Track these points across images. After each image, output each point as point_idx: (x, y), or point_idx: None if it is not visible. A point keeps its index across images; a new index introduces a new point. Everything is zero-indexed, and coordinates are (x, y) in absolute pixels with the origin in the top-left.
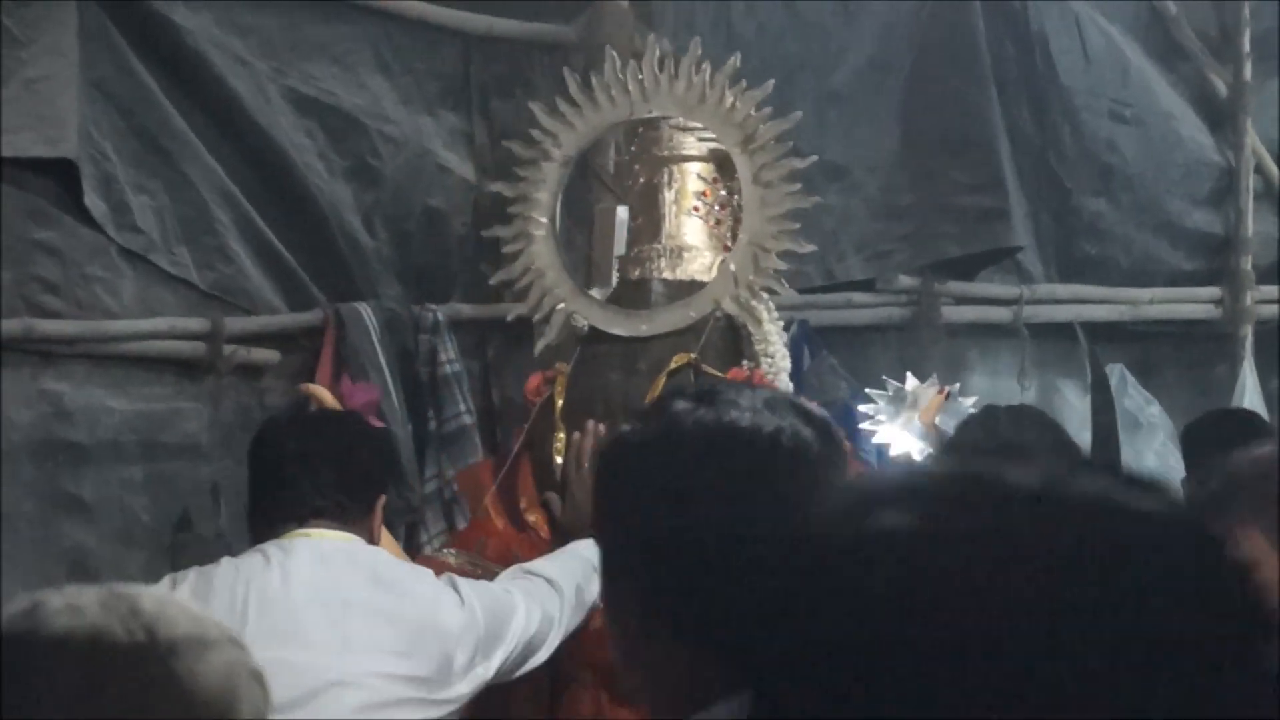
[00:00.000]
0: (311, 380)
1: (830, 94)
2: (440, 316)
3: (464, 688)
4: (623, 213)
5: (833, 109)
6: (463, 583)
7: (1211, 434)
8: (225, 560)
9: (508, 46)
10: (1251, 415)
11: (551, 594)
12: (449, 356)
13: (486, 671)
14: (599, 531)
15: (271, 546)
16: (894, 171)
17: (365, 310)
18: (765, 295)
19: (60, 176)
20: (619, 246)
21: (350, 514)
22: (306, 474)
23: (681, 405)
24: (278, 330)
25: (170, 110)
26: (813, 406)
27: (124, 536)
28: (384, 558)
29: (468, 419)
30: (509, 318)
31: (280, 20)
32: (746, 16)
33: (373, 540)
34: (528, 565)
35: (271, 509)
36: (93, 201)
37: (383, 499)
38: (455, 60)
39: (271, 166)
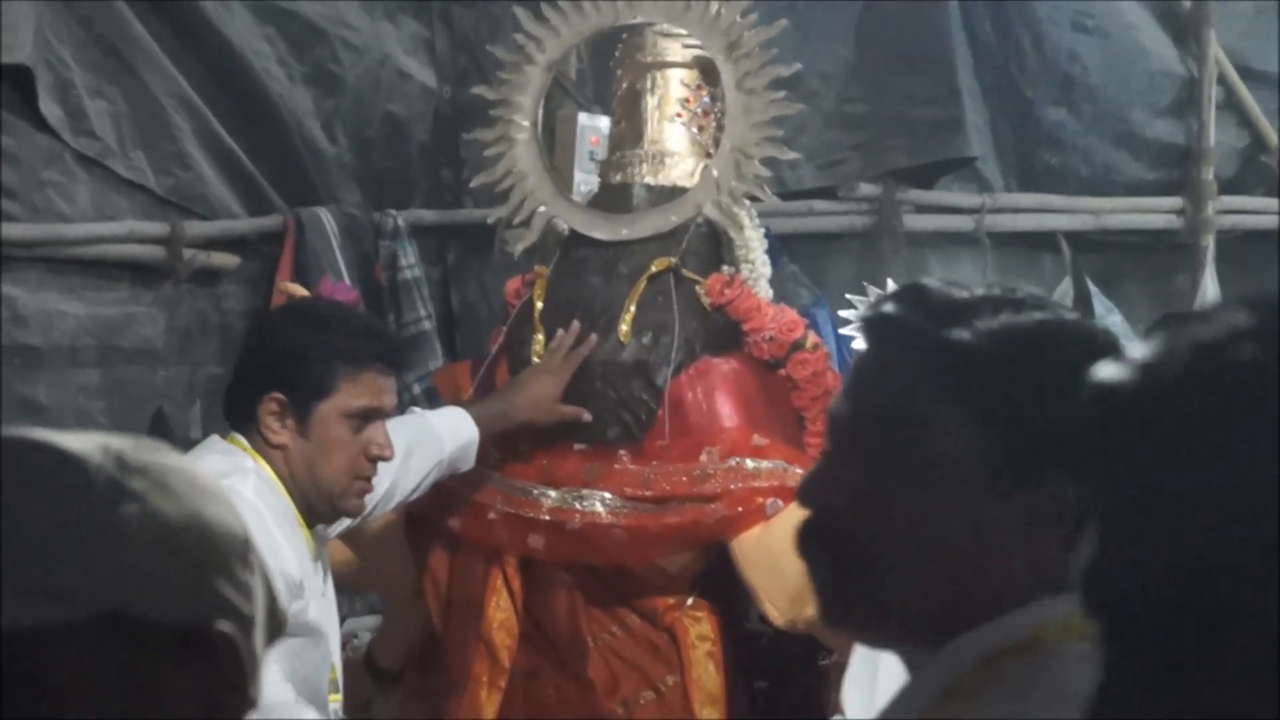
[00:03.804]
0: (271, 285)
1: (787, 2)
2: (400, 222)
3: None
4: (584, 118)
5: (789, 17)
6: None
7: None
8: None
9: None
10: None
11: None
12: (409, 262)
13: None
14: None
15: None
16: (849, 82)
17: (325, 215)
18: (747, 201)
19: (14, 82)
20: (580, 152)
21: (235, 420)
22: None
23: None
24: (237, 235)
25: (129, 16)
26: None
27: None
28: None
29: (427, 324)
30: (489, 220)
31: None
32: None
33: (265, 454)
34: None
35: None
36: (48, 107)
37: (269, 402)
38: None
39: (231, 72)
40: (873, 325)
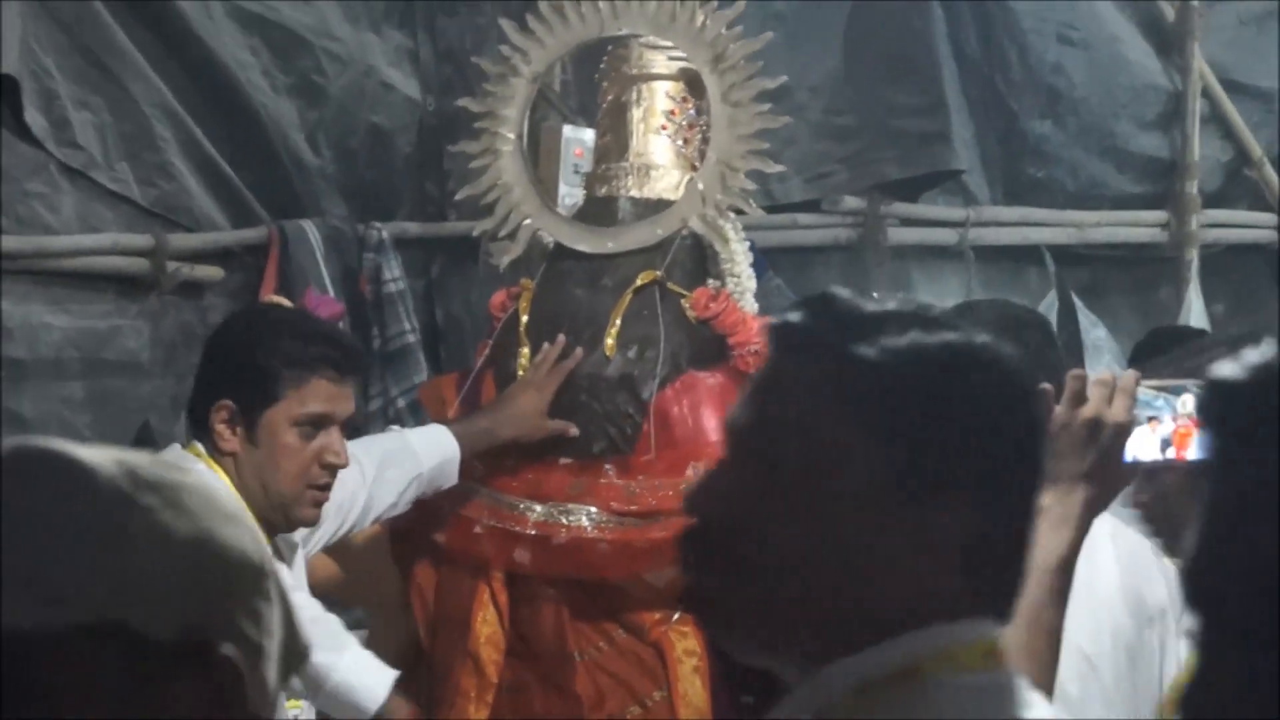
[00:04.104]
0: (255, 297)
1: (774, 14)
2: (385, 235)
3: None
4: (569, 130)
5: (777, 29)
6: None
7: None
8: None
9: None
10: (1200, 332)
11: None
12: (393, 275)
13: None
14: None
15: None
16: (837, 94)
17: (310, 227)
18: (732, 215)
19: None
20: (564, 165)
21: (196, 428)
22: None
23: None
24: (221, 247)
25: (113, 26)
26: None
27: None
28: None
29: (412, 337)
30: (474, 233)
31: None
32: None
33: (220, 462)
34: None
35: None
36: (33, 117)
37: (219, 409)
38: None
39: (215, 83)
40: (779, 333)
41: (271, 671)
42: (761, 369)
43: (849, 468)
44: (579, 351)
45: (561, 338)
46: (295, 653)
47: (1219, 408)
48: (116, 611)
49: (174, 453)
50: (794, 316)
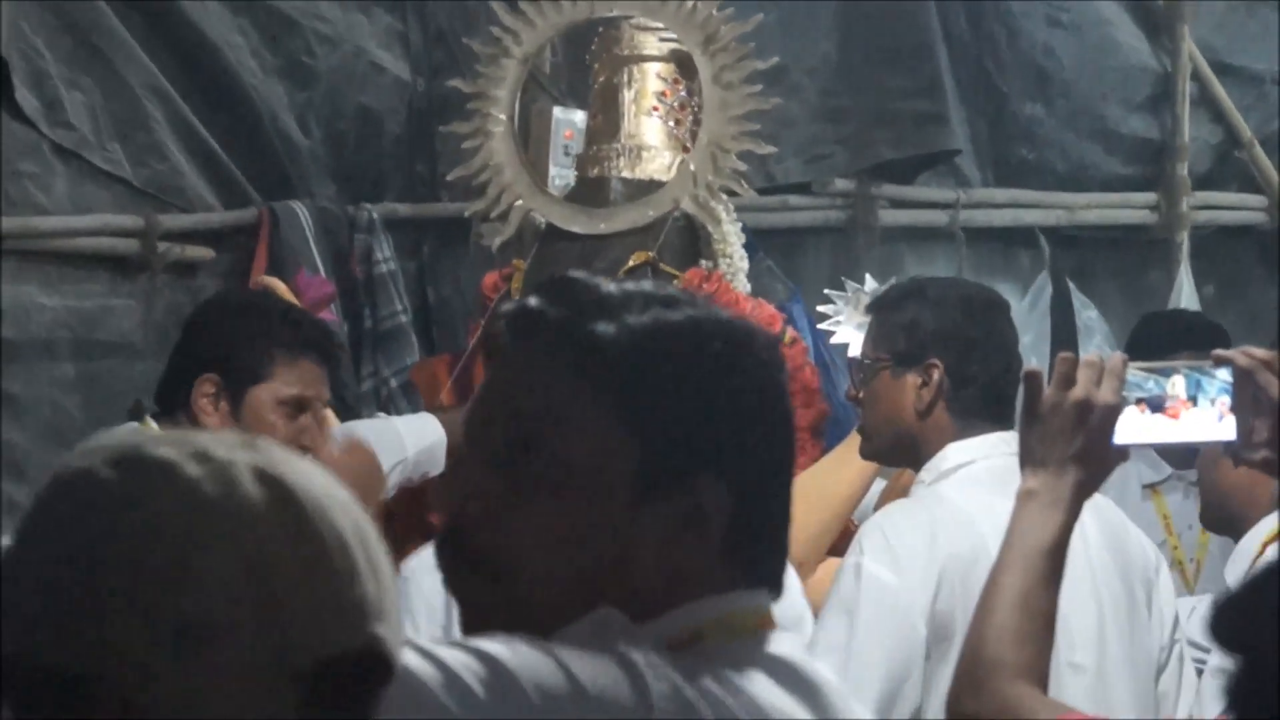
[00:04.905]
0: (246, 278)
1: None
2: (375, 216)
3: None
4: (559, 112)
5: (772, 11)
6: None
7: (1160, 335)
8: None
9: None
10: (1195, 315)
11: None
12: (384, 256)
13: None
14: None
15: None
16: (832, 75)
17: (300, 208)
18: (724, 196)
19: None
20: (554, 147)
21: (166, 404)
22: None
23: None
24: (212, 228)
25: (103, 7)
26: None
27: (56, 435)
28: None
29: (403, 318)
30: (466, 214)
31: None
32: None
33: None
34: None
35: None
36: (24, 97)
37: (204, 383)
38: None
39: (205, 64)
40: (515, 320)
41: (394, 621)
42: (498, 357)
43: (595, 454)
44: None
45: None
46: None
47: None
48: (274, 641)
49: (120, 430)
50: (531, 301)
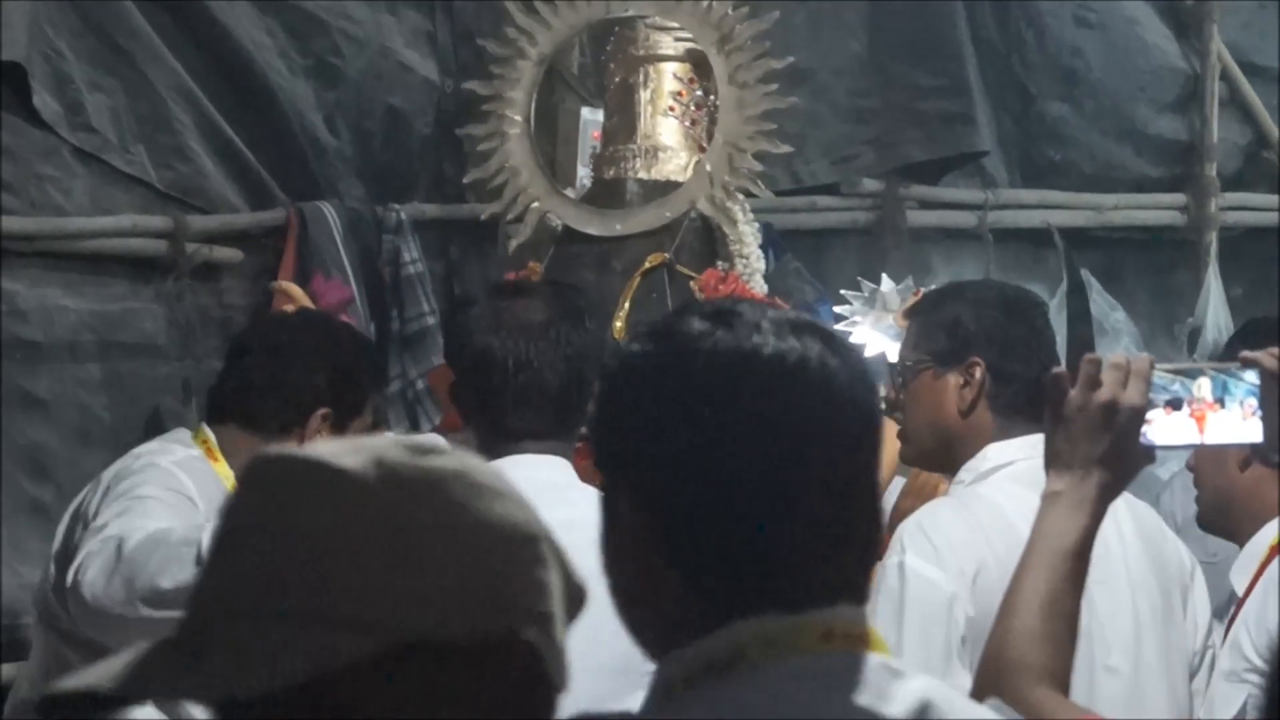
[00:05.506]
0: (273, 279)
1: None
2: (404, 216)
3: None
4: (587, 113)
5: (799, 12)
6: None
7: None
8: None
9: None
10: None
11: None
12: (412, 257)
13: None
14: (598, 456)
15: None
16: (860, 75)
17: (328, 209)
18: (740, 196)
19: (9, 77)
20: (583, 147)
21: (257, 423)
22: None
23: (697, 326)
24: (239, 229)
25: (128, 8)
26: (838, 331)
27: (82, 435)
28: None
29: (430, 319)
30: (483, 216)
31: None
32: None
33: None
34: None
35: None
36: (43, 101)
37: (319, 415)
38: None
39: (232, 65)
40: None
41: (560, 630)
42: None
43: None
44: None
45: None
46: (575, 596)
47: None
48: (417, 628)
49: (179, 434)
50: None
